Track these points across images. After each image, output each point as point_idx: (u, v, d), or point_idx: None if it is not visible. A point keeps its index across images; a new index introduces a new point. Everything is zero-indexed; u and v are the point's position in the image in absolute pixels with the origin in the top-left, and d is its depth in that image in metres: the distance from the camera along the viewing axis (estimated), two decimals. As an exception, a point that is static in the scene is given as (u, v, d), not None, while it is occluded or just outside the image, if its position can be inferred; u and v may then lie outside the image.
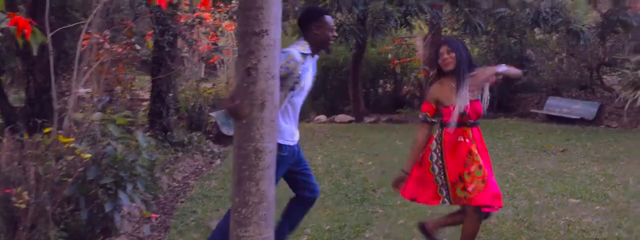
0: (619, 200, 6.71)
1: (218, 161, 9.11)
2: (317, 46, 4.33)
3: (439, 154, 4.37)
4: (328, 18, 4.31)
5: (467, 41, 14.66)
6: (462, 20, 12.89)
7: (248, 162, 3.51)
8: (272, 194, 3.63)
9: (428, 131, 4.47)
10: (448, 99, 4.33)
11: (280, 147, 4.12)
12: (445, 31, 17.47)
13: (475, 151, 4.30)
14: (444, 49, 4.36)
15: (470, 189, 4.23)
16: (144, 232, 5.18)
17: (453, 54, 4.32)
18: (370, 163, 9.01)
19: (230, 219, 3.65)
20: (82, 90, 15.24)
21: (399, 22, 12.14)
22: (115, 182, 4.63)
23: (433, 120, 4.45)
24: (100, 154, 4.71)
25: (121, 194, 4.62)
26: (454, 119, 4.28)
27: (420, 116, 4.51)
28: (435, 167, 4.39)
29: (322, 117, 16.04)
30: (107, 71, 12.42)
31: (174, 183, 7.41)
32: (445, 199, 4.39)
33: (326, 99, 17.04)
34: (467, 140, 4.32)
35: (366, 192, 7.14)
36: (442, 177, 4.36)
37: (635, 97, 13.22)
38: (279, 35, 3.50)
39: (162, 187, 6.63)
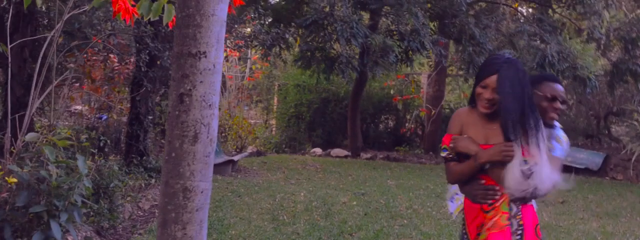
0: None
1: (194, 191, 8.62)
2: None
3: (462, 208, 3.42)
4: (547, 85, 3.49)
5: (472, 82, 14.23)
6: (467, 60, 12.47)
7: (175, 202, 3.05)
8: (202, 241, 3.15)
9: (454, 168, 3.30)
10: (474, 131, 3.26)
11: None
12: (451, 70, 17.09)
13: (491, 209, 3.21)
14: (490, 81, 3.18)
15: None
16: (81, 267, 4.69)
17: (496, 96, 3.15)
18: (354, 203, 8.50)
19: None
20: (78, 107, 14.89)
21: (399, 57, 11.74)
22: (47, 210, 4.16)
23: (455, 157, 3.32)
24: (35, 178, 4.25)
25: (53, 225, 4.15)
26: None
27: (441, 152, 3.40)
28: (463, 226, 3.40)
29: (318, 150, 15.56)
30: (99, 89, 12.08)
31: (139, 212, 6.93)
32: None
33: (324, 131, 16.57)
34: None
35: (342, 236, 6.62)
36: (466, 237, 3.33)
37: (643, 149, 12.72)
38: (220, 59, 3.06)
39: (118, 216, 6.13)
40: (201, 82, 3.00)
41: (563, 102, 3.49)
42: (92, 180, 5.76)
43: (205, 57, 2.98)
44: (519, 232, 3.12)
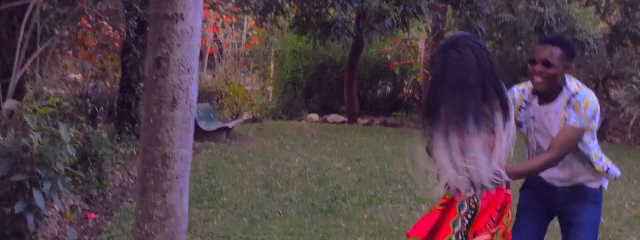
0: (610, 227, 6.12)
1: (187, 158, 8.54)
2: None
3: None
4: (538, 47, 3.31)
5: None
6: (464, 25, 12.30)
7: (154, 170, 2.98)
8: (184, 210, 3.08)
9: None
10: None
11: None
12: (449, 35, 16.91)
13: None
14: None
15: None
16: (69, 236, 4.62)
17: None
18: (349, 169, 8.44)
19: (133, 235, 3.12)
20: (75, 76, 14.73)
21: (396, 22, 11.57)
22: (30, 179, 4.08)
23: None
24: (20, 147, 4.16)
25: (36, 194, 4.08)
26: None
27: None
28: None
29: (315, 117, 15.47)
30: (93, 57, 11.92)
31: (130, 179, 6.87)
32: None
33: (321, 97, 16.44)
34: None
35: (335, 202, 6.57)
36: None
37: (641, 113, 12.64)
38: (199, 22, 2.95)
39: (108, 184, 6.07)
40: (179, 46, 2.90)
41: (547, 64, 3.19)
42: (80, 149, 5.70)
43: (183, 19, 2.87)
44: (469, 216, 2.96)
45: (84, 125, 6.44)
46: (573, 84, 3.28)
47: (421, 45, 17.23)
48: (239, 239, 5.06)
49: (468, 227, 2.96)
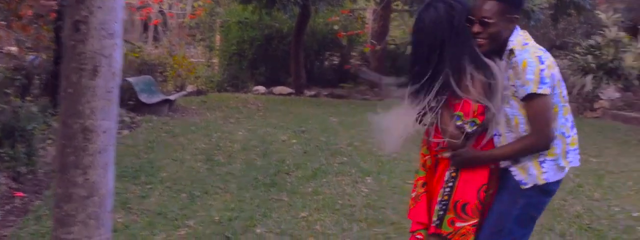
0: (554, 197, 6.06)
1: (126, 131, 8.23)
2: None
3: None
4: (474, 3, 2.84)
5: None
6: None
7: (74, 144, 2.72)
8: (108, 187, 2.83)
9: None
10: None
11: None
12: (397, 5, 16.75)
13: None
14: None
15: None
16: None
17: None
18: (294, 141, 8.26)
19: (52, 215, 2.87)
20: (13, 48, 14.10)
21: (343, -10, 11.35)
22: (-55, 156, 3.78)
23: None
24: None
25: (-48, 172, 3.78)
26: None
27: None
28: None
29: (261, 88, 15.20)
30: (27, 27, 11.37)
31: (64, 156, 6.52)
32: None
33: (267, 69, 16.15)
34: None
35: (278, 175, 6.38)
36: None
37: (584, 82, 12.75)
38: (120, -20, 2.69)
39: (37, 160, 5.72)
40: (99, 7, 2.63)
41: (484, 23, 2.76)
42: (6, 123, 5.36)
43: (102, -22, 2.60)
44: (451, 183, 2.85)
45: (12, 98, 6.06)
46: (517, 39, 2.81)
47: (369, 15, 17.07)
48: (176, 216, 4.83)
49: (449, 195, 2.85)
